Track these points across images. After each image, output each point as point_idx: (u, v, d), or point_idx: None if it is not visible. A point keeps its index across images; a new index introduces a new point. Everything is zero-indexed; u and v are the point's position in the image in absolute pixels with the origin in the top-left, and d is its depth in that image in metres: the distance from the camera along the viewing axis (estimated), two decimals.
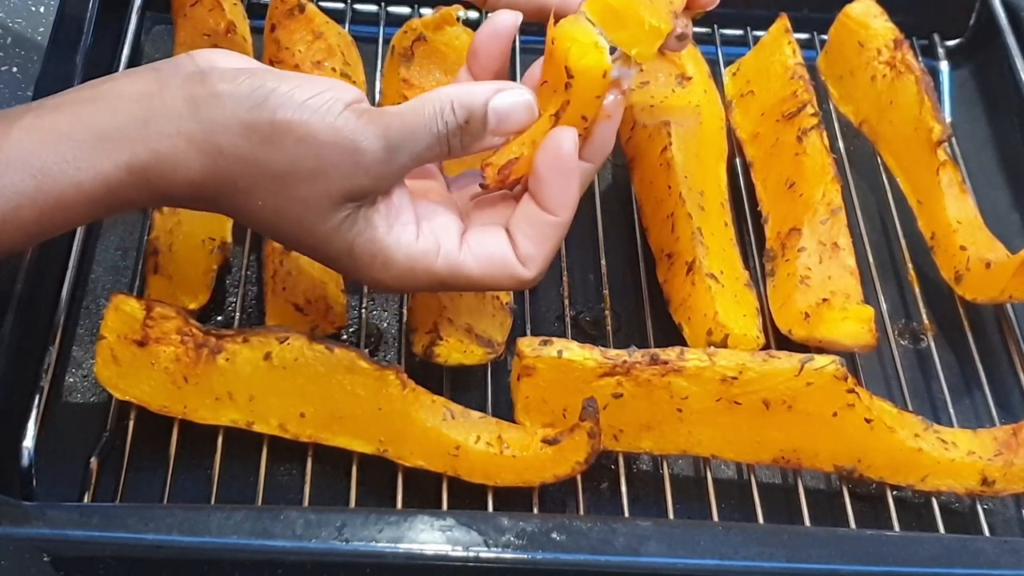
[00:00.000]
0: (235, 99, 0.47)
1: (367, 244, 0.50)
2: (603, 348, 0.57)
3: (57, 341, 0.60)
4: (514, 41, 0.78)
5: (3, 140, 0.46)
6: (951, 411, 0.64)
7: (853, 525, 0.59)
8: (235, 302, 0.65)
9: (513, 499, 0.57)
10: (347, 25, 0.77)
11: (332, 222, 0.49)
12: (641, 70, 0.54)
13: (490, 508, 0.57)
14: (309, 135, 0.47)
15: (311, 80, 0.49)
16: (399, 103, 0.67)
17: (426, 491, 0.58)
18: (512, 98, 0.51)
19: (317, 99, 0.48)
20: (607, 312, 0.66)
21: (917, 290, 0.70)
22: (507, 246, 0.53)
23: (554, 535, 0.51)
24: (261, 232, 0.56)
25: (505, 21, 0.55)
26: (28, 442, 0.56)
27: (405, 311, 0.64)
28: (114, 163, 0.47)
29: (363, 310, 0.65)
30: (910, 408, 0.63)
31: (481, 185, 0.53)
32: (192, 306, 0.62)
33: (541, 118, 0.52)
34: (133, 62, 0.73)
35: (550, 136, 0.52)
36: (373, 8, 0.80)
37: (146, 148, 0.47)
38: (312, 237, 0.50)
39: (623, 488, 0.59)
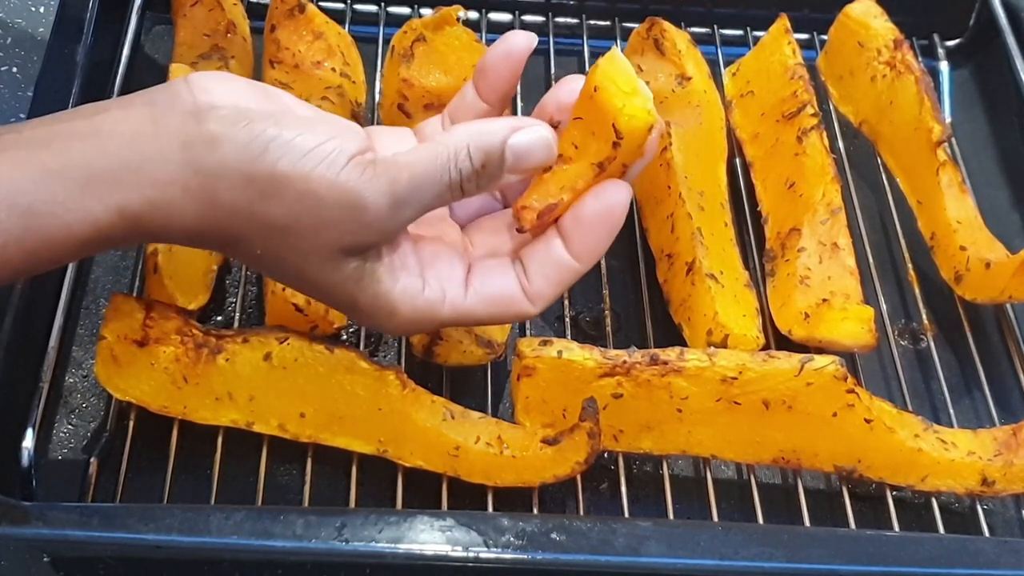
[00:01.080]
0: (233, 148, 0.45)
1: (372, 298, 0.49)
2: (603, 348, 0.57)
3: (57, 341, 0.60)
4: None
5: None
6: (951, 411, 0.64)
7: (853, 525, 0.59)
8: (235, 302, 0.65)
9: (513, 499, 0.57)
10: (347, 25, 0.77)
11: (335, 275, 0.48)
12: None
13: (490, 508, 0.57)
14: (309, 191, 0.45)
15: (314, 126, 0.46)
16: (399, 103, 0.68)
17: (426, 491, 0.58)
18: (531, 136, 0.49)
19: (319, 151, 0.45)
20: (607, 312, 0.66)
21: (917, 290, 0.70)
22: (515, 284, 0.51)
23: (554, 535, 0.51)
24: (262, 274, 0.54)
25: (519, 42, 0.52)
26: (28, 442, 0.56)
27: None
28: (105, 206, 0.45)
29: None
30: (910, 408, 0.63)
31: (518, 229, 0.52)
32: (192, 306, 0.62)
33: (581, 164, 0.50)
34: (133, 62, 0.73)
35: (604, 189, 0.50)
36: (373, 8, 0.80)
37: (139, 194, 0.45)
38: (314, 285, 0.49)
39: (623, 488, 0.59)
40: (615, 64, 0.49)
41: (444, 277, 0.51)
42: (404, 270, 0.49)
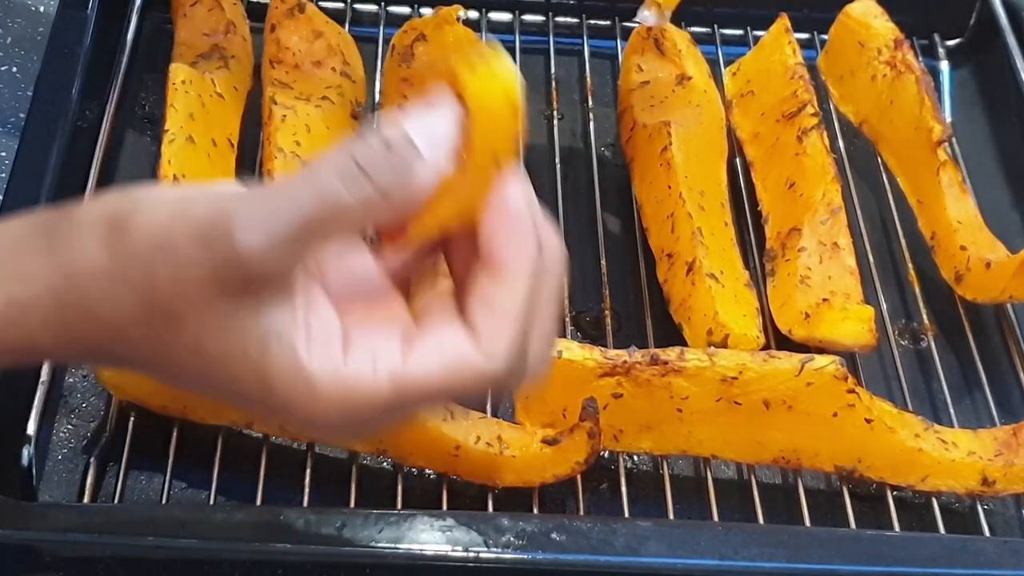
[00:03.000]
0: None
1: (286, 372, 0.37)
2: (603, 348, 0.57)
3: None
4: (514, 42, 0.79)
5: None
6: (951, 411, 0.64)
7: (853, 525, 0.59)
8: None
9: (513, 499, 0.57)
10: (347, 25, 0.77)
11: (234, 336, 0.37)
12: None
13: (490, 508, 0.57)
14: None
15: None
16: (399, 103, 0.68)
17: (426, 491, 0.58)
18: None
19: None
20: (607, 312, 0.66)
21: (917, 290, 0.70)
22: (461, 332, 0.38)
23: (554, 535, 0.51)
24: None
25: None
26: (28, 442, 0.56)
27: None
28: None
29: None
30: (910, 408, 0.63)
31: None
32: None
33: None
34: (133, 62, 0.73)
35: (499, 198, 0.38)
36: (373, 8, 0.80)
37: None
38: (220, 365, 0.37)
39: (623, 488, 0.59)
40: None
41: (374, 340, 0.38)
42: (322, 336, 0.38)
